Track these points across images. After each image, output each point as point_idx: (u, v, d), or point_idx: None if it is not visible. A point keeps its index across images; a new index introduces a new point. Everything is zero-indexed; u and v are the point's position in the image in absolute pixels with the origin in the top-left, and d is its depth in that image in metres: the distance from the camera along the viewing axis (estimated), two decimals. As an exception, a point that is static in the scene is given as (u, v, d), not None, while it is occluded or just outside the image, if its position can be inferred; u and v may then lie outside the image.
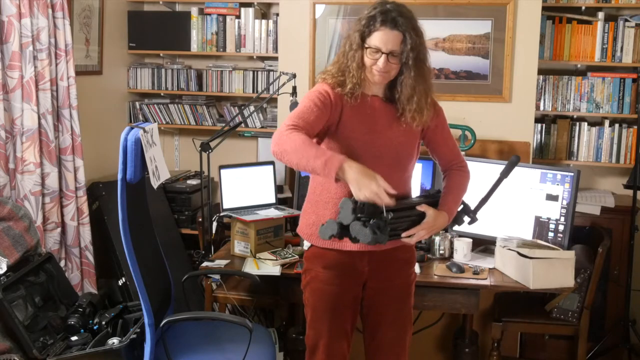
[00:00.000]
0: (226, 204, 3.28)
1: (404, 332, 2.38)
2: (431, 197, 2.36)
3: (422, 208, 2.22)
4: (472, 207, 2.45)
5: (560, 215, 2.99)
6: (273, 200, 3.33)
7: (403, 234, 2.18)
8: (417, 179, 3.22)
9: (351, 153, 2.16)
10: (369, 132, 2.21)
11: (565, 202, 2.98)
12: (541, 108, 3.90)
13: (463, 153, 3.32)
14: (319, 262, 2.30)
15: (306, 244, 2.38)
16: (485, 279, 2.80)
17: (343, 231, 2.06)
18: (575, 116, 3.92)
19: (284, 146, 2.05)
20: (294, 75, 3.36)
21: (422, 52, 2.18)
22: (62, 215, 3.41)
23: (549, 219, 3.02)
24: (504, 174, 2.67)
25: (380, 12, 2.13)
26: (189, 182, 4.26)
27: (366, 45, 2.14)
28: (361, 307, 2.38)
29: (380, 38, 2.12)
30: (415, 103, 2.19)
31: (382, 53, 2.12)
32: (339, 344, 2.32)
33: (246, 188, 3.27)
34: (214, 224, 3.32)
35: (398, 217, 2.14)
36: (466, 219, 2.43)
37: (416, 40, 2.14)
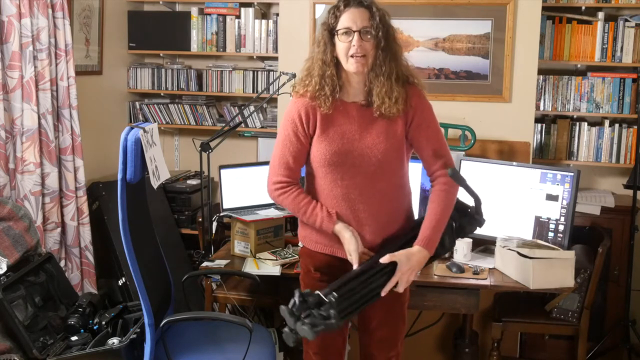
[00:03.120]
0: (226, 204, 3.28)
1: (396, 331, 2.37)
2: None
3: (385, 260, 2.09)
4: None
5: (560, 215, 2.99)
6: (273, 200, 3.33)
7: (383, 292, 2.11)
8: (417, 180, 3.21)
9: (327, 164, 2.19)
10: (344, 142, 2.18)
11: (565, 202, 2.98)
12: (541, 108, 3.89)
13: (463, 153, 3.35)
14: (310, 261, 2.33)
15: (300, 242, 2.42)
16: (485, 279, 2.79)
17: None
18: (575, 116, 3.92)
19: (282, 204, 2.31)
20: (294, 75, 3.36)
21: (392, 28, 2.17)
22: (62, 215, 3.41)
23: (549, 219, 3.01)
24: (455, 219, 2.33)
25: (342, 0, 2.14)
26: (189, 182, 4.26)
27: (337, 30, 2.12)
28: None
29: (348, 18, 2.11)
30: (383, 83, 2.13)
31: (354, 32, 2.10)
32: (333, 340, 2.33)
33: (246, 188, 3.27)
34: (214, 224, 3.32)
35: (360, 282, 2.06)
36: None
37: (383, 14, 2.14)
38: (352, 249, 2.15)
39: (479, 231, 3.04)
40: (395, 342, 2.37)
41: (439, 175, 2.24)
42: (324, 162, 2.20)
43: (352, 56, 2.11)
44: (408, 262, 2.12)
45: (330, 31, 2.14)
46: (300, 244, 2.41)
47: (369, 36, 2.11)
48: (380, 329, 2.35)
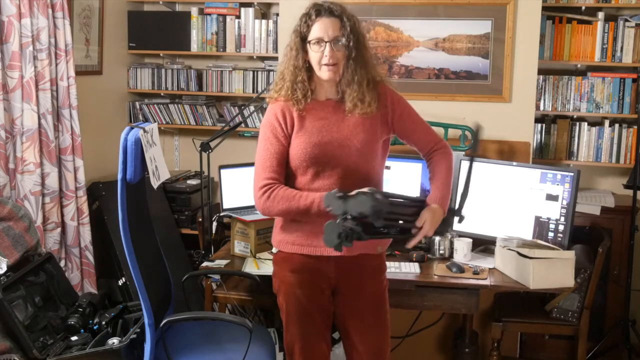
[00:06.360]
0: (226, 204, 3.28)
1: (383, 339, 2.38)
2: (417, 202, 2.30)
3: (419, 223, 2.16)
4: (457, 206, 2.33)
5: (560, 215, 2.99)
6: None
7: (410, 245, 2.17)
8: (417, 179, 3.21)
9: (309, 157, 2.21)
10: (323, 134, 2.22)
11: (565, 202, 2.98)
12: (541, 108, 3.90)
13: (463, 153, 3.36)
14: (286, 265, 2.32)
15: (274, 249, 2.40)
16: (485, 279, 2.79)
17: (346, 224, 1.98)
18: (575, 116, 3.92)
19: (272, 212, 2.23)
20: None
21: (362, 35, 2.21)
22: (62, 215, 3.41)
23: (549, 219, 3.01)
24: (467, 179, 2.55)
25: (313, 7, 2.19)
26: (189, 182, 4.26)
27: (309, 40, 2.17)
28: (336, 317, 2.38)
29: (319, 28, 2.16)
30: (355, 90, 2.19)
31: (326, 42, 2.15)
32: (316, 346, 2.33)
33: (246, 188, 3.27)
34: (214, 224, 3.32)
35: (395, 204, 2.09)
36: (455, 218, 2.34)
37: (354, 22, 2.18)
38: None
39: (479, 231, 3.08)
40: (386, 350, 2.38)
41: (440, 147, 2.34)
42: (305, 156, 2.21)
43: (324, 64, 2.17)
44: (433, 218, 2.18)
45: (302, 38, 2.19)
46: (274, 250, 2.40)
47: (340, 44, 2.16)
48: (367, 340, 2.35)
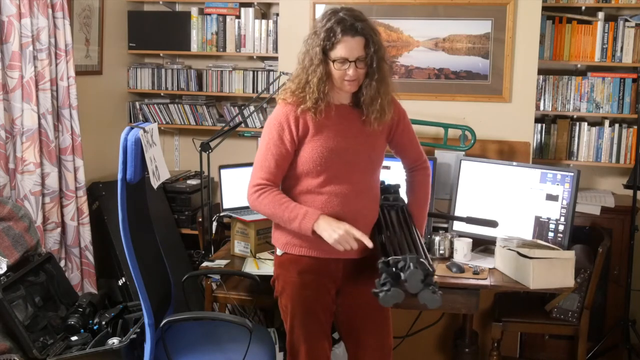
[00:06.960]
0: (226, 204, 3.28)
1: (388, 335, 2.40)
2: (393, 200, 2.43)
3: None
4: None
5: (560, 215, 2.99)
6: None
7: None
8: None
9: (324, 161, 2.21)
10: (339, 140, 2.22)
11: (565, 202, 2.98)
12: (541, 108, 3.90)
13: (463, 153, 3.36)
14: (293, 267, 2.30)
15: (278, 251, 2.37)
16: (485, 279, 2.79)
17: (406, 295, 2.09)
18: (575, 116, 3.92)
19: (260, 210, 2.27)
20: (294, 75, 3.35)
21: (384, 51, 2.21)
22: (62, 215, 3.41)
23: (549, 219, 3.01)
24: (472, 221, 2.98)
25: (337, 22, 2.13)
26: (189, 182, 4.26)
27: (332, 59, 2.15)
28: (338, 315, 2.39)
29: (345, 48, 2.13)
30: (378, 104, 2.21)
31: (350, 62, 2.14)
32: (320, 345, 2.33)
33: (246, 188, 3.26)
34: (214, 224, 3.32)
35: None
36: None
37: (378, 41, 2.17)
38: (358, 233, 2.15)
39: (479, 231, 3.08)
40: (389, 348, 2.40)
41: (423, 166, 2.48)
42: (321, 160, 2.21)
43: (346, 80, 2.17)
44: None
45: (324, 51, 2.16)
46: (279, 252, 2.36)
47: (363, 64, 2.16)
48: (371, 338, 2.37)
